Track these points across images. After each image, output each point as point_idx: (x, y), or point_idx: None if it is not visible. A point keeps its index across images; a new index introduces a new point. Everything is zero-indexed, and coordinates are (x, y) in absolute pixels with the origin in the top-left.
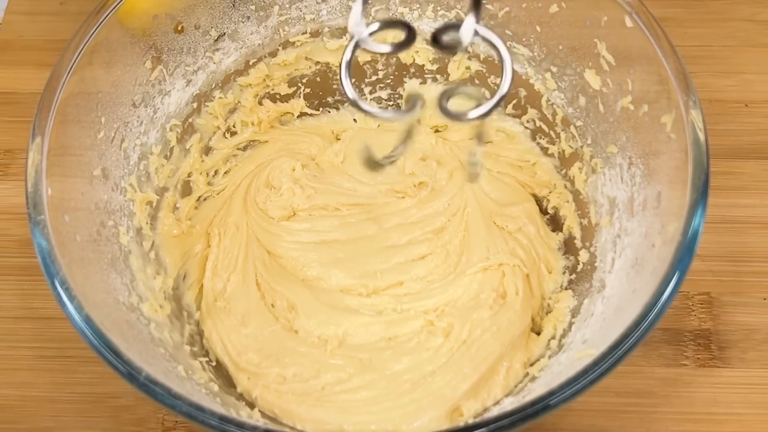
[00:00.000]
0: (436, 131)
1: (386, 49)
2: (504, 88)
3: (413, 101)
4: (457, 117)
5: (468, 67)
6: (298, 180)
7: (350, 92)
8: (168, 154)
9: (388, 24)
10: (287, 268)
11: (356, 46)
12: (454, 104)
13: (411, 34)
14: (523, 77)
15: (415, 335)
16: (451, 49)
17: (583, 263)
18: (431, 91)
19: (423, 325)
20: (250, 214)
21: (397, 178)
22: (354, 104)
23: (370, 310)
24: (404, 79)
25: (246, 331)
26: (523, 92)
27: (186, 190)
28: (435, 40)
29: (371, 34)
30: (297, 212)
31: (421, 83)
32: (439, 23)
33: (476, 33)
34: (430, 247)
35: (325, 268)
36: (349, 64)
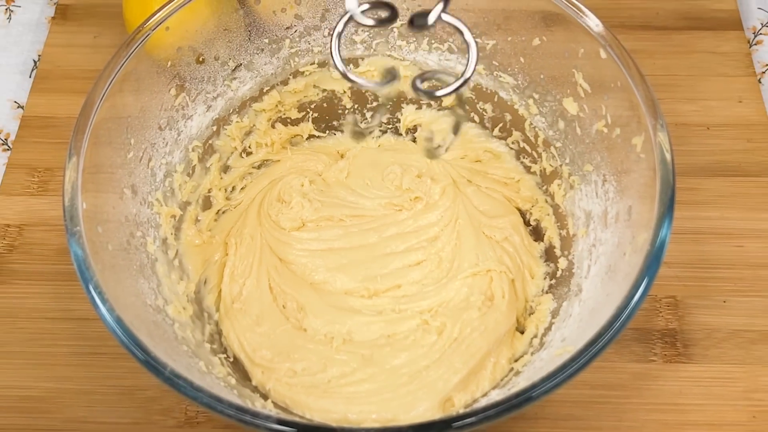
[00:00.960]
0: None
1: (371, 22)
2: (469, 71)
3: (390, 74)
4: (427, 94)
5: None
6: (306, 194)
7: (340, 65)
8: (190, 172)
9: (377, 4)
10: (297, 273)
11: (349, 19)
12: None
13: (393, 14)
14: (508, 103)
15: (411, 333)
16: (422, 28)
17: (562, 270)
18: (426, 116)
19: (418, 324)
20: (264, 226)
21: (395, 192)
22: (344, 75)
23: (371, 311)
24: (402, 105)
25: (260, 330)
26: (508, 116)
27: (206, 204)
28: (411, 23)
29: (363, 11)
30: (306, 223)
31: (417, 109)
32: (433, 55)
33: (442, 19)
34: (425, 254)
35: (331, 273)
36: (340, 35)
